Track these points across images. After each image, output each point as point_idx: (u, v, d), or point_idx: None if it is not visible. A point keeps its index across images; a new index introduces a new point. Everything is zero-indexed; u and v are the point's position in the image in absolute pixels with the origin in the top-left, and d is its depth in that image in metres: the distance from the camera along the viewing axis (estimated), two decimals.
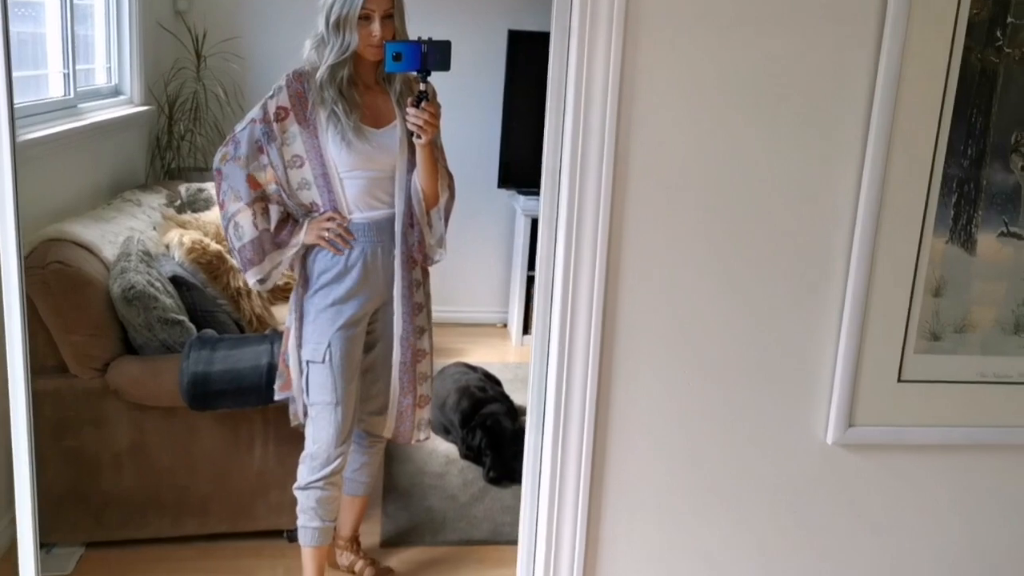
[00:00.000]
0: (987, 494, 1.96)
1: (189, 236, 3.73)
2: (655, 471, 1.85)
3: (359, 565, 3.15)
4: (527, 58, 5.39)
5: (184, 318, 3.26)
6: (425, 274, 2.93)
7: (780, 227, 1.75)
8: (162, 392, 3.07)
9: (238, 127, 2.71)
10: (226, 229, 2.72)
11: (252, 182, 2.65)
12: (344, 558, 3.18)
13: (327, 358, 2.72)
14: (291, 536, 3.35)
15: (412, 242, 2.80)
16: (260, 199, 2.66)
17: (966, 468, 1.91)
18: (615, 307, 1.74)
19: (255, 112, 2.66)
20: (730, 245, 1.75)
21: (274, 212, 2.68)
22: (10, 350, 1.81)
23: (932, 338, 1.79)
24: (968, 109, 1.71)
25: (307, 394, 2.77)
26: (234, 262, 3.82)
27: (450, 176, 2.82)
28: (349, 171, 2.67)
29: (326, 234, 2.67)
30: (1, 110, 1.64)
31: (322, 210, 2.71)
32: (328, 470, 2.77)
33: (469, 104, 5.48)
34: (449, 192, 2.81)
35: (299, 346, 2.77)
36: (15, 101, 2.88)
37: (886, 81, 1.67)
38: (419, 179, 2.71)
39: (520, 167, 5.53)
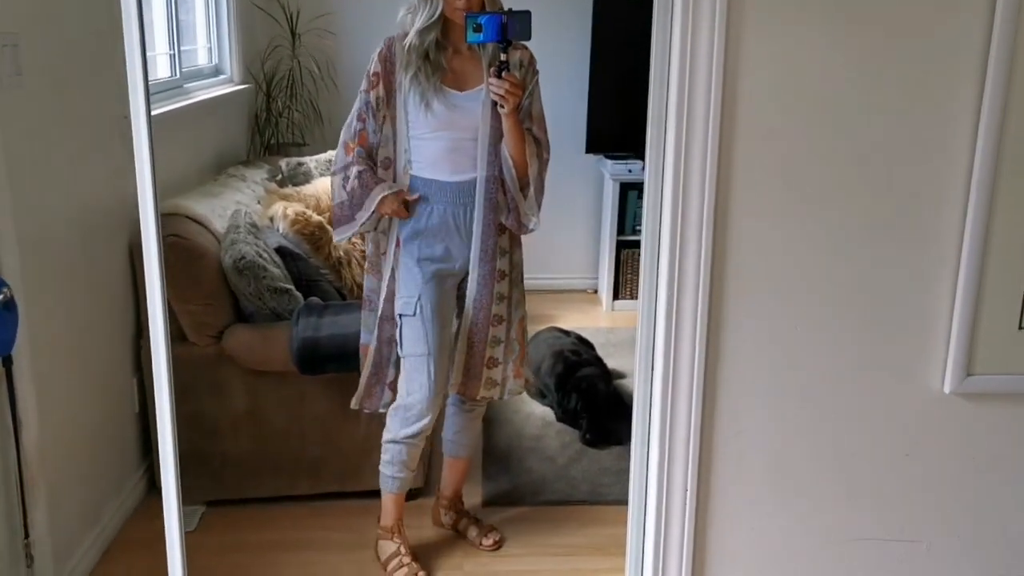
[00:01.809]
0: None
1: (292, 208, 3.85)
2: (766, 426, 1.87)
3: (463, 523, 3.25)
4: (614, 21, 5.37)
5: (291, 287, 3.39)
6: (515, 242, 2.97)
7: (895, 175, 1.73)
8: (274, 357, 3.21)
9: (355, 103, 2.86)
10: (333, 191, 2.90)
11: (347, 148, 2.81)
12: (447, 517, 3.29)
13: (418, 310, 2.83)
14: None
15: (504, 209, 2.85)
16: (351, 164, 2.80)
17: None
18: (723, 262, 1.76)
19: (362, 84, 2.80)
20: (842, 195, 1.74)
21: (357, 174, 2.78)
22: (152, 321, 1.92)
23: None
24: None
25: (401, 347, 2.89)
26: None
27: (539, 144, 2.83)
28: (432, 132, 2.74)
29: (386, 208, 2.78)
30: (138, 94, 1.73)
31: (393, 166, 2.82)
32: (421, 424, 2.89)
33: (556, 69, 5.44)
34: (539, 161, 2.83)
35: (390, 300, 2.89)
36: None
37: (1005, 16, 1.63)
38: (507, 147, 2.76)
39: (608, 132, 5.53)
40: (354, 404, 3.00)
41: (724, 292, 1.77)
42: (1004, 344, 1.78)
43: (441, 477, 3.31)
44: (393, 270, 2.89)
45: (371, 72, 2.76)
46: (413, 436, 2.91)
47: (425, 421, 2.89)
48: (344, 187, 2.81)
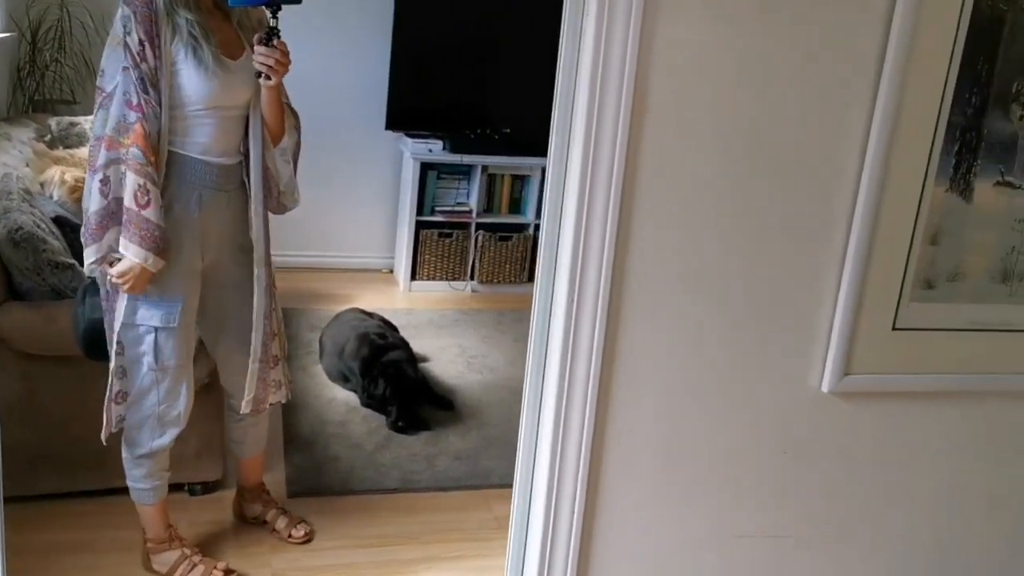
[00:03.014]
0: (975, 439, 2.06)
1: (71, 174, 3.47)
2: (655, 417, 1.86)
3: (271, 514, 3.06)
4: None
5: (75, 262, 3.04)
6: (267, 222, 2.71)
7: (787, 174, 1.75)
8: (54, 340, 2.87)
9: (108, 85, 2.34)
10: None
11: (110, 144, 2.33)
12: (252, 509, 3.09)
13: (180, 319, 2.54)
14: (192, 489, 3.23)
15: (264, 192, 2.62)
16: (118, 161, 2.33)
17: (956, 415, 2.01)
18: (624, 262, 1.72)
19: (116, 55, 2.30)
20: (736, 194, 1.75)
21: (131, 180, 2.32)
22: None
23: (926, 286, 1.86)
24: (977, 56, 1.75)
25: (157, 359, 2.56)
26: None
27: (296, 116, 2.67)
28: (202, 108, 2.42)
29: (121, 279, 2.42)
30: None
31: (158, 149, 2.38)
32: (177, 431, 2.66)
33: (356, 41, 5.29)
34: (297, 133, 2.67)
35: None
36: None
37: (900, 28, 1.69)
38: (267, 122, 2.56)
39: (409, 109, 5.41)
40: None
41: (623, 292, 1.73)
42: (879, 345, 1.87)
43: (238, 471, 3.09)
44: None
45: (130, 41, 2.27)
46: (165, 447, 2.67)
47: (181, 427, 2.65)
48: (105, 194, 2.33)
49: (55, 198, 3.46)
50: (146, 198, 2.33)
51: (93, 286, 2.96)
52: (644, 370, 1.80)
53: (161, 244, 2.38)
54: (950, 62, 1.74)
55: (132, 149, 2.31)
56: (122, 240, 2.36)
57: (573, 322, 1.68)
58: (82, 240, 2.40)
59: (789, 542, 2.02)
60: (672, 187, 1.72)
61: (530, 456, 1.79)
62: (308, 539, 3.04)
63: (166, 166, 2.43)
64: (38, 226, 2.97)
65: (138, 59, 2.28)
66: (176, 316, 2.52)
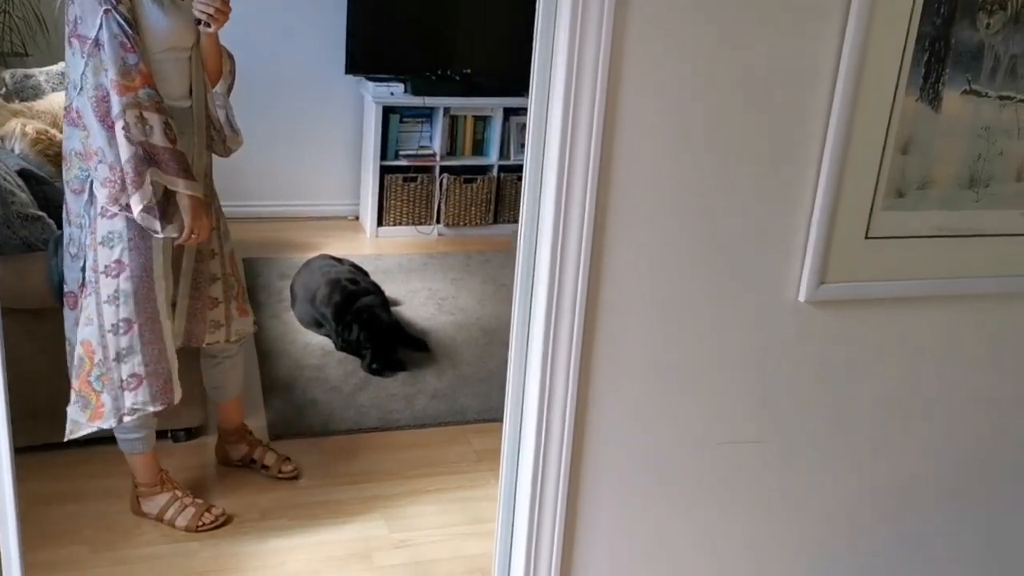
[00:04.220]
0: (947, 342, 2.14)
1: (32, 126, 3.43)
2: (641, 333, 1.91)
3: (258, 452, 3.12)
4: None
5: (43, 214, 3.02)
6: (211, 167, 2.76)
7: (761, 86, 1.78)
8: (28, 293, 2.87)
9: (89, 31, 2.32)
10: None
11: (122, 89, 2.33)
12: (237, 451, 3.13)
13: (151, 271, 2.55)
14: (175, 436, 3.26)
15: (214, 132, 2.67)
16: (134, 104, 2.35)
17: (927, 319, 2.07)
18: (608, 179, 1.75)
19: (101, 3, 2.30)
20: (713, 113, 1.77)
21: (154, 119, 2.38)
22: None
23: (897, 195, 1.91)
24: None
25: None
26: None
27: (232, 59, 2.69)
28: (164, 50, 2.46)
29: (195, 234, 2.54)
30: None
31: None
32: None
33: None
34: (231, 77, 2.69)
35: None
36: None
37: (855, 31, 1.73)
38: (205, 64, 2.58)
39: (369, 54, 5.35)
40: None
41: (607, 214, 1.77)
42: (853, 253, 1.93)
43: (218, 416, 3.12)
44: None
45: None
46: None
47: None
48: (130, 139, 2.34)
49: (16, 151, 3.42)
50: (172, 133, 2.42)
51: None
52: (628, 289, 1.85)
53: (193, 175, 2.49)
54: None
55: (144, 90, 2.36)
56: (170, 181, 2.43)
57: (560, 246, 1.73)
58: (128, 193, 2.38)
59: (770, 448, 2.10)
60: (650, 109, 1.75)
61: (520, 371, 1.84)
62: (296, 475, 3.09)
63: None
64: (4, 179, 2.94)
65: (116, 2, 2.30)
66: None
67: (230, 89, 2.69)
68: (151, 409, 2.61)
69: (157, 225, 2.44)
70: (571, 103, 1.66)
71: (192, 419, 3.24)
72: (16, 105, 3.89)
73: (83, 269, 2.53)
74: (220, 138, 2.70)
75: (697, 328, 1.94)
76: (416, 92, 5.32)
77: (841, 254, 1.92)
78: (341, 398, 3.61)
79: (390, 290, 4.53)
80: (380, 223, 5.50)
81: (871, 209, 1.90)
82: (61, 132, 3.56)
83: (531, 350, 1.79)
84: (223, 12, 2.47)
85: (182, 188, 2.46)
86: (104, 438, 2.83)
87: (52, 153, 3.40)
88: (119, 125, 2.35)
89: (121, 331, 2.53)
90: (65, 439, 2.62)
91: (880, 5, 1.75)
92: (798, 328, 2.00)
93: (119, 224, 2.46)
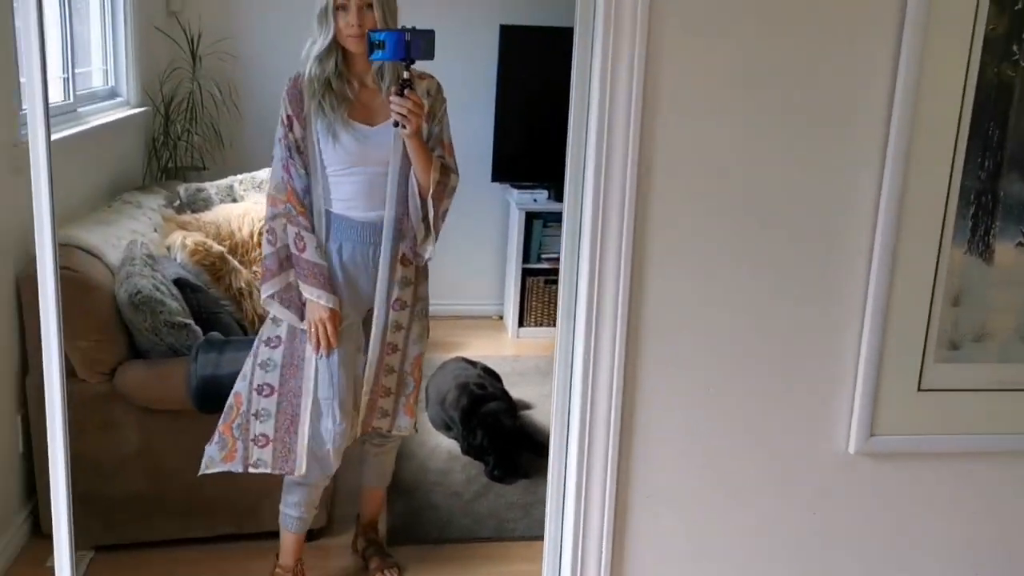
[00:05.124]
0: (1006, 500, 2.00)
1: (192, 238, 3.74)
2: (680, 479, 1.89)
3: (369, 551, 3.24)
4: (519, 53, 5.40)
5: (190, 321, 3.27)
6: (420, 274, 2.93)
7: (800, 235, 1.78)
8: (169, 395, 3.09)
9: (274, 152, 2.78)
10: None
11: (273, 201, 2.76)
12: (360, 542, 3.27)
13: (324, 352, 2.79)
14: None
15: (408, 240, 2.81)
16: (278, 216, 2.75)
17: (986, 475, 1.95)
18: (639, 318, 1.76)
19: (278, 131, 2.74)
20: (751, 254, 1.78)
21: (294, 235, 2.74)
22: (46, 357, 1.83)
23: (951, 347, 1.83)
24: (985, 122, 1.75)
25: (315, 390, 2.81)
26: (235, 263, 3.86)
27: (448, 171, 2.78)
28: (344, 168, 2.71)
29: (315, 327, 2.74)
30: (37, 121, 1.65)
31: (310, 199, 2.75)
32: (325, 471, 2.86)
33: (462, 96, 5.41)
34: (447, 188, 2.79)
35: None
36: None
37: (904, 97, 1.70)
38: (414, 171, 2.72)
39: (513, 161, 5.55)
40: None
41: (639, 352, 1.77)
42: (905, 405, 1.84)
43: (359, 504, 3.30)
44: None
45: (283, 116, 2.71)
46: (313, 480, 2.87)
47: (328, 469, 2.86)
48: (272, 242, 2.76)
49: (178, 260, 3.73)
50: (302, 243, 2.74)
51: (206, 344, 3.20)
52: (664, 434, 1.83)
53: (327, 283, 2.75)
54: (958, 129, 1.73)
55: (286, 205, 2.74)
56: (300, 285, 2.76)
57: (590, 391, 1.73)
58: (261, 282, 2.81)
59: None
60: (686, 250, 1.76)
61: (557, 526, 1.83)
62: None
63: (323, 220, 2.76)
64: (157, 289, 3.21)
65: (287, 130, 2.71)
66: None
67: (445, 199, 2.80)
68: (269, 470, 2.83)
69: (273, 309, 2.79)
70: (599, 232, 1.68)
71: (316, 520, 3.36)
72: (186, 217, 4.25)
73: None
74: (410, 244, 2.82)
75: (740, 477, 1.88)
76: (559, 199, 5.43)
77: (892, 406, 1.83)
78: (460, 504, 3.66)
79: (525, 392, 4.58)
80: (521, 323, 5.61)
81: (922, 361, 1.81)
82: (220, 243, 3.91)
83: (568, 488, 1.79)
84: (414, 113, 2.56)
85: (307, 294, 2.74)
86: (232, 536, 3.01)
87: (208, 263, 3.70)
88: (266, 228, 2.75)
89: (264, 393, 2.80)
90: (199, 473, 2.86)
91: (916, 161, 1.72)
92: (850, 480, 1.90)
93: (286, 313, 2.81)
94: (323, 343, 2.75)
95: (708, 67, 1.72)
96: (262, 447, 2.81)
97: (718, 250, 1.78)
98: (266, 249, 2.77)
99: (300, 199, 2.73)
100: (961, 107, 1.72)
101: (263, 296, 2.80)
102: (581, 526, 1.80)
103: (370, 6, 2.58)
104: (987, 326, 1.84)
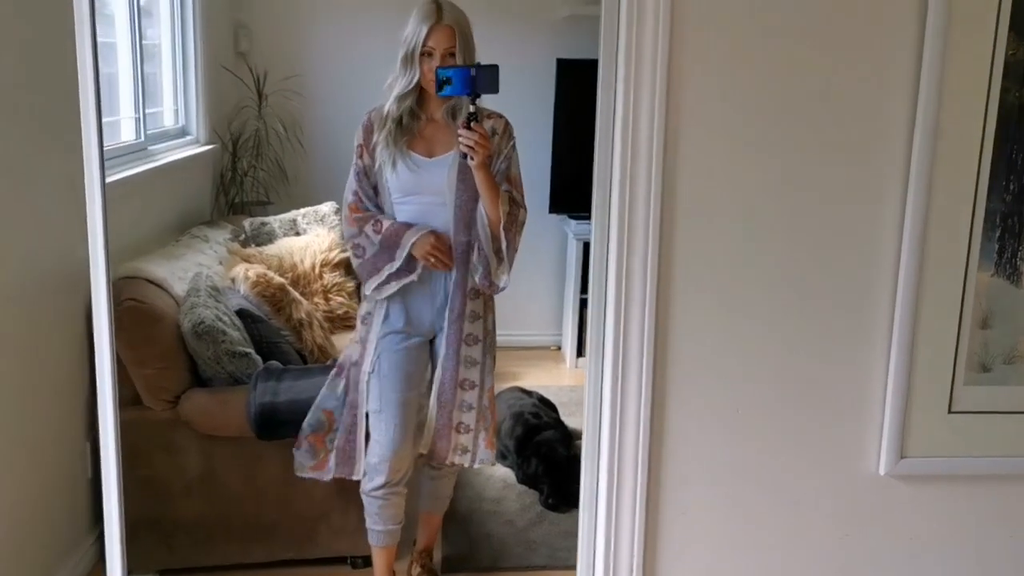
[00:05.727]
0: None
1: (254, 270, 3.86)
2: (709, 501, 1.90)
3: None
4: (575, 86, 5.47)
5: (251, 350, 3.37)
6: (488, 308, 3.01)
7: (825, 260, 1.79)
8: (230, 422, 3.19)
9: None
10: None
11: (348, 219, 2.94)
12: (414, 568, 3.31)
13: (376, 368, 2.91)
14: (354, 562, 3.44)
15: (476, 269, 2.87)
16: (358, 224, 2.91)
17: (1019, 498, 1.93)
18: (665, 341, 1.79)
19: (353, 159, 2.93)
20: (777, 277, 1.80)
21: (367, 229, 2.88)
22: (100, 385, 1.92)
23: (981, 369, 1.82)
24: (1009, 146, 1.75)
25: (368, 403, 2.97)
26: (296, 295, 3.97)
27: (516, 204, 2.85)
28: (403, 196, 2.84)
29: (420, 250, 2.82)
30: (92, 161, 1.75)
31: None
32: (380, 480, 2.94)
33: (520, 132, 5.51)
34: (515, 220, 2.85)
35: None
36: None
37: (924, 123, 1.71)
38: (482, 203, 2.80)
39: (570, 192, 5.60)
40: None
41: (667, 375, 1.80)
42: (936, 428, 1.83)
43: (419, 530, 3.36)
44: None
45: (356, 143, 2.89)
46: (375, 489, 2.95)
47: (382, 477, 2.92)
48: (359, 255, 2.90)
49: (241, 292, 3.86)
50: (379, 224, 2.88)
51: (265, 372, 3.30)
52: (694, 455, 1.84)
53: (411, 227, 2.85)
54: (980, 153, 1.72)
55: (358, 215, 2.91)
56: (396, 252, 2.85)
57: (619, 412, 1.75)
58: (364, 285, 2.98)
59: None
60: (712, 277, 1.78)
61: (590, 537, 1.85)
62: None
63: None
64: (220, 319, 3.33)
65: (357, 158, 2.89)
66: None
67: (514, 230, 2.86)
68: (333, 475, 3.03)
69: (385, 292, 2.89)
70: (624, 247, 1.71)
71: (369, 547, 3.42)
72: (250, 250, 4.40)
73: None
74: (485, 274, 2.88)
75: (770, 500, 1.88)
76: None
77: (922, 428, 1.82)
78: (514, 532, 3.68)
79: (581, 422, 4.59)
80: (579, 354, 5.62)
81: (952, 383, 1.79)
82: (282, 275, 4.03)
83: (599, 514, 1.80)
84: (481, 145, 2.66)
85: (400, 250, 2.83)
86: (291, 561, 3.08)
87: (268, 294, 3.82)
88: (350, 247, 2.96)
89: (345, 407, 3.02)
90: (297, 474, 3.08)
91: (939, 187, 1.73)
92: (881, 502, 1.88)
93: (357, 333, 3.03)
94: (444, 265, 2.84)
95: (729, 97, 1.75)
96: (336, 457, 3.03)
97: (744, 277, 1.80)
98: (355, 263, 2.95)
99: (367, 209, 2.91)
100: (983, 132, 1.73)
101: (369, 291, 2.90)
102: (612, 549, 1.81)
103: (453, 55, 2.70)
104: (1018, 348, 1.82)
